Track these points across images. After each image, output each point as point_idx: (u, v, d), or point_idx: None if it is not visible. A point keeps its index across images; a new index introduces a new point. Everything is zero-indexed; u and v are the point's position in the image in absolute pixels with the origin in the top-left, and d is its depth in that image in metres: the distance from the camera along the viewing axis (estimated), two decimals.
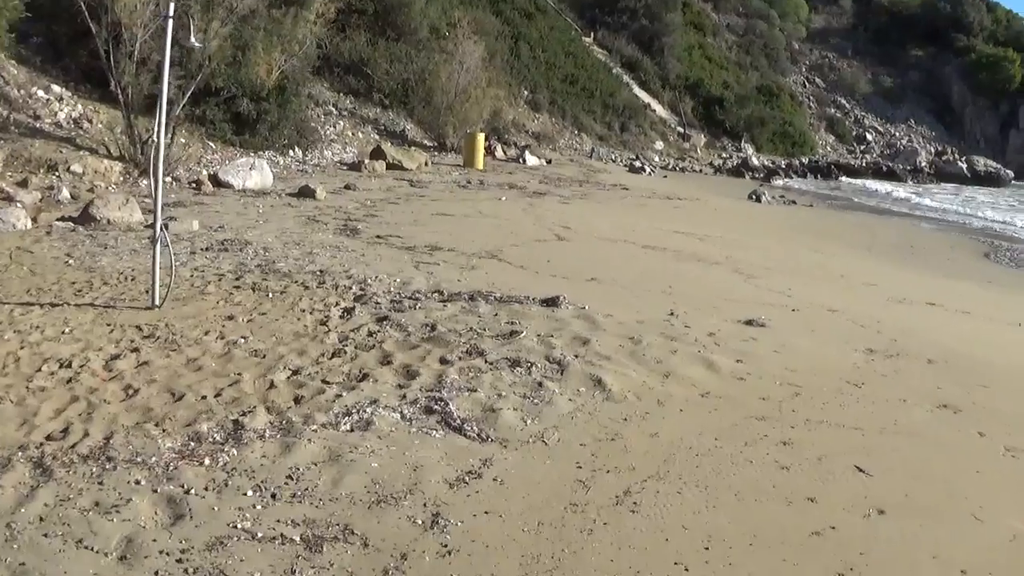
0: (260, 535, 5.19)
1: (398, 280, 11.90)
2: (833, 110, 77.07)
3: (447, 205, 21.58)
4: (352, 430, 6.76)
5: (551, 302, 10.91)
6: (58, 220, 14.80)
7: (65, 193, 17.69)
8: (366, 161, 28.50)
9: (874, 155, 71.41)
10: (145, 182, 18.95)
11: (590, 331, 9.81)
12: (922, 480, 6.58)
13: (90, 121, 22.65)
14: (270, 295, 10.77)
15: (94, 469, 5.83)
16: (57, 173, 18.98)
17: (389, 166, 28.89)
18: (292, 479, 5.90)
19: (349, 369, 8.20)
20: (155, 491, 5.60)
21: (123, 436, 6.38)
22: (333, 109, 34.51)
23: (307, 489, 5.77)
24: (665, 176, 43.25)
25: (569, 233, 18.44)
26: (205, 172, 21.92)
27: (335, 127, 33.15)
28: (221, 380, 7.73)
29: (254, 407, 7.11)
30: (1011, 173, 71.24)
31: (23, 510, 5.27)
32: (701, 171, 51.20)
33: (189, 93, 21.31)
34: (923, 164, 68.76)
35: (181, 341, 8.75)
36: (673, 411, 7.64)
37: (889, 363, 9.64)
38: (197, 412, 6.94)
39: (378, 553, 5.09)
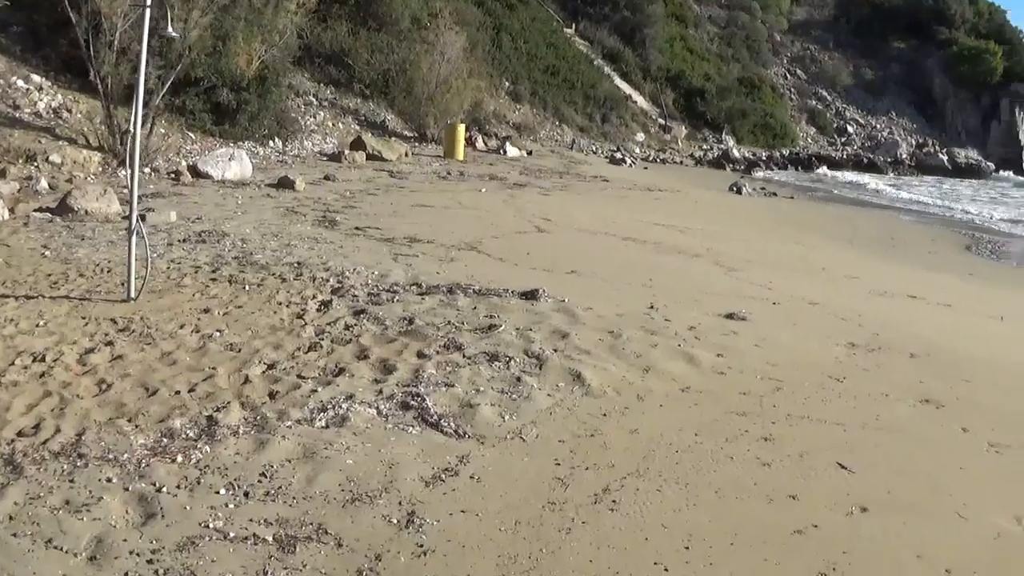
0: (232, 535, 5.07)
1: (376, 272, 11.80)
2: (814, 102, 77.19)
3: (427, 196, 21.48)
4: (327, 426, 6.65)
5: (530, 295, 10.82)
6: (36, 211, 14.67)
7: (43, 184, 17.56)
8: (346, 152, 28.42)
9: (855, 147, 71.62)
10: (124, 172, 18.84)
11: (569, 324, 9.73)
12: (905, 477, 6.51)
13: (70, 111, 22.54)
14: (247, 288, 10.64)
15: (65, 466, 5.71)
16: (36, 163, 18.82)
17: (369, 157, 28.81)
18: (266, 477, 5.78)
19: (325, 363, 8.08)
20: (126, 489, 5.48)
21: (95, 432, 6.26)
22: (313, 99, 34.46)
23: (281, 487, 5.65)
24: (646, 168, 43.31)
25: (549, 225, 18.37)
26: (184, 163, 21.82)
27: (315, 117, 33.10)
28: (195, 375, 7.60)
29: (228, 402, 6.99)
30: (992, 165, 71.85)
31: None
32: (682, 163, 51.33)
33: (169, 83, 21.22)
34: (904, 156, 69.05)
35: (156, 335, 8.62)
36: (653, 406, 7.54)
37: (871, 357, 9.58)
38: (171, 408, 6.81)
39: (352, 553, 4.98)
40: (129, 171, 9.80)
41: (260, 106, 26.95)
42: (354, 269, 11.91)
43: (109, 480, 5.58)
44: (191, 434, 6.35)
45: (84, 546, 4.86)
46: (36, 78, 23.05)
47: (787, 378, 8.49)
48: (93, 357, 7.88)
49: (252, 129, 27.07)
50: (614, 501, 5.75)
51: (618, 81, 60.02)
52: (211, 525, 5.16)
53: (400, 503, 5.56)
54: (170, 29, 10.63)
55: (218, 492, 5.54)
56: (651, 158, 49.94)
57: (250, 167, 22.36)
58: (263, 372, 7.79)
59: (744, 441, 6.89)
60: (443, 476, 5.96)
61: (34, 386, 7.11)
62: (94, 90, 21.22)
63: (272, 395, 7.25)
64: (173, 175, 20.44)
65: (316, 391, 7.33)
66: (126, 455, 5.92)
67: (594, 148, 47.52)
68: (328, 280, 11.22)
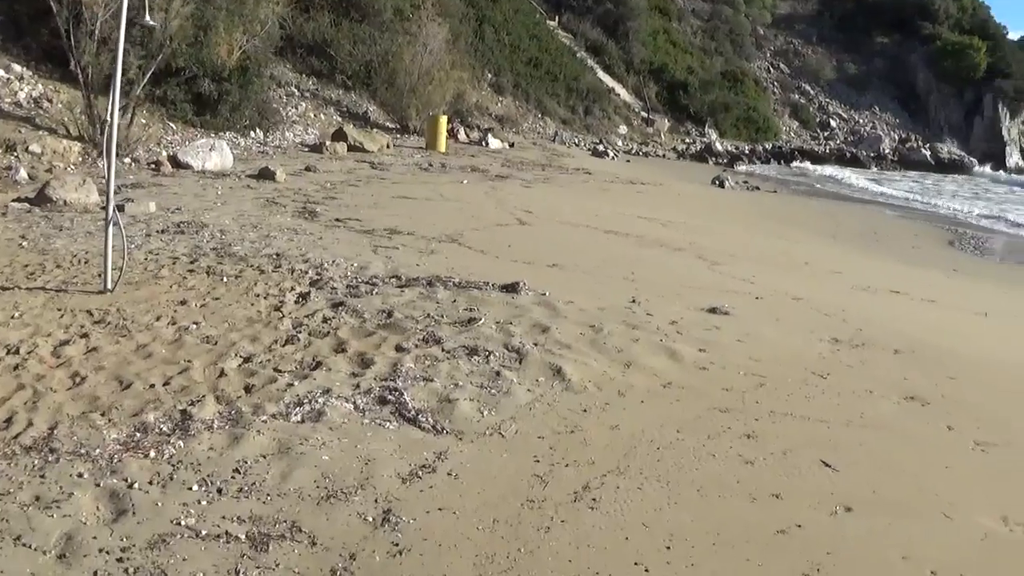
0: (204, 532, 4.98)
1: (355, 264, 11.69)
2: (797, 96, 77.17)
3: (408, 188, 21.36)
4: (303, 421, 6.55)
5: (511, 288, 10.73)
6: (14, 201, 14.55)
7: (23, 174, 17.45)
8: (327, 143, 28.29)
9: (838, 141, 71.69)
10: (102, 162, 18.75)
11: (550, 318, 9.63)
12: (890, 476, 6.43)
13: (50, 101, 22.36)
14: (224, 279, 10.53)
15: (36, 461, 5.62)
16: (16, 153, 18.68)
17: (351, 148, 28.69)
18: (239, 473, 5.69)
19: (302, 357, 7.98)
20: (98, 485, 5.39)
21: (68, 426, 6.17)
22: (295, 90, 34.29)
23: (254, 484, 5.56)
24: (628, 161, 43.20)
25: (531, 217, 18.27)
26: (165, 153, 21.69)
27: (297, 108, 32.94)
28: (171, 368, 7.50)
29: (203, 396, 6.89)
30: (975, 160, 71.99)
31: None
32: (664, 156, 51.27)
33: (150, 73, 21.15)
34: (887, 151, 69.29)
35: (132, 327, 8.52)
36: (634, 402, 7.45)
37: (855, 353, 9.51)
38: (145, 401, 6.71)
39: (326, 552, 4.89)
40: (106, 161, 9.73)
41: (241, 97, 26.79)
42: (333, 261, 11.81)
43: (80, 476, 5.49)
44: (165, 429, 6.25)
45: (53, 543, 4.77)
46: (17, 68, 22.84)
47: (770, 374, 8.42)
48: (68, 349, 7.79)
49: (233, 120, 26.91)
50: (594, 499, 5.66)
51: (601, 74, 59.94)
52: (183, 522, 5.07)
53: (376, 500, 5.47)
54: (148, 18, 10.51)
55: (191, 488, 5.45)
56: (634, 151, 49.82)
57: (231, 158, 22.23)
58: (239, 365, 7.70)
59: (727, 438, 6.81)
60: (420, 473, 5.86)
61: (7, 379, 7.02)
62: (75, 80, 21.07)
63: (248, 389, 7.15)
64: (153, 166, 20.34)
65: (292, 385, 7.24)
66: (98, 450, 5.83)
67: (576, 141, 47.42)
68: (307, 272, 11.10)
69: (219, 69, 25.53)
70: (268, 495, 5.44)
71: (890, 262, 19.88)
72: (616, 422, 6.96)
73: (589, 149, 44.61)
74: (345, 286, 10.51)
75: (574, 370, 8.01)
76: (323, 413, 6.69)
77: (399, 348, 8.34)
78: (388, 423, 6.63)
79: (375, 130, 33.50)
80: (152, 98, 23.74)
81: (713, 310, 10.72)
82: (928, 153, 70.14)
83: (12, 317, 8.56)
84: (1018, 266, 24.15)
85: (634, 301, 10.81)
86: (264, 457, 5.92)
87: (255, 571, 4.67)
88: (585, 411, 7.15)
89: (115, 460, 5.72)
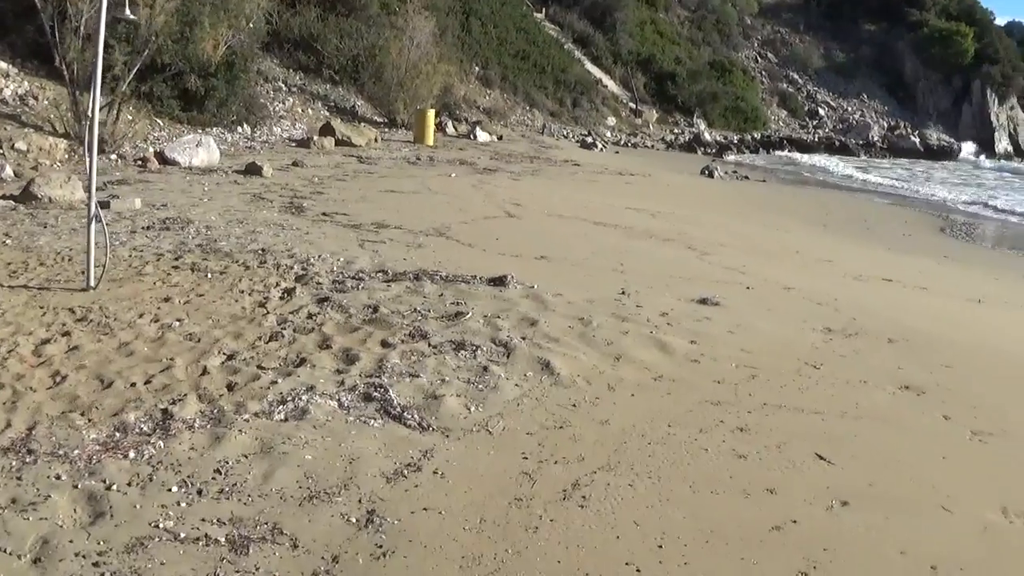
0: (183, 535, 4.85)
1: (342, 259, 11.59)
2: (785, 85, 77.31)
3: (396, 182, 21.26)
4: (286, 419, 6.41)
5: (498, 281, 10.62)
6: None
7: (8, 171, 17.36)
8: (315, 138, 28.18)
9: (827, 130, 71.85)
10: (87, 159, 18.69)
11: (538, 311, 9.51)
12: (886, 468, 6.31)
13: (36, 98, 22.29)
14: (209, 275, 10.41)
15: (14, 463, 5.49)
16: (1, 151, 18.60)
17: (338, 142, 28.59)
18: (220, 473, 5.55)
19: (286, 353, 7.85)
20: (76, 487, 5.26)
21: (46, 427, 6.03)
22: (283, 85, 34.22)
23: (235, 484, 5.43)
24: (617, 152, 43.23)
25: (519, 210, 18.17)
26: (151, 149, 21.58)
27: (284, 103, 32.87)
28: (153, 366, 7.36)
29: (185, 395, 6.75)
30: (963, 147, 72.31)
31: None
32: (653, 147, 51.23)
33: (135, 69, 21.07)
34: (876, 139, 69.49)
35: (114, 324, 8.39)
36: (624, 396, 7.33)
37: (848, 343, 9.40)
38: (125, 400, 6.57)
39: (308, 555, 4.75)
40: (88, 157, 9.60)
41: (228, 92, 26.71)
42: (319, 256, 11.70)
43: (58, 477, 5.36)
44: (145, 428, 6.12)
45: (29, 547, 4.65)
46: (2, 65, 22.77)
47: (763, 365, 8.30)
48: (49, 348, 7.66)
49: (220, 115, 26.85)
50: (584, 497, 5.53)
51: (589, 65, 59.99)
52: (161, 525, 4.94)
53: (360, 501, 5.34)
54: (127, 12, 10.38)
55: (170, 490, 5.31)
56: (622, 142, 49.84)
57: (218, 153, 22.13)
58: (222, 363, 7.56)
59: (719, 432, 6.68)
60: (405, 472, 5.73)
61: None
62: (61, 77, 20.94)
63: (230, 387, 7.02)
64: (140, 162, 20.24)
65: (276, 382, 7.10)
66: (77, 451, 5.70)
67: (565, 133, 47.41)
68: (292, 267, 10.99)
69: (205, 65, 25.42)
70: (249, 496, 5.31)
71: (881, 250, 19.82)
72: (606, 417, 6.84)
73: (578, 141, 44.61)
74: (331, 281, 10.39)
75: (563, 364, 7.88)
76: (307, 411, 6.56)
77: (385, 344, 8.22)
78: (373, 420, 6.49)
79: (363, 124, 33.39)
80: (139, 94, 23.62)
81: (704, 301, 10.60)
82: (917, 140, 70.36)
83: None
84: (1010, 252, 24.14)
85: (623, 293, 10.70)
86: (246, 457, 5.79)
87: (235, 575, 4.55)
88: (574, 406, 7.03)
89: (94, 461, 5.59)
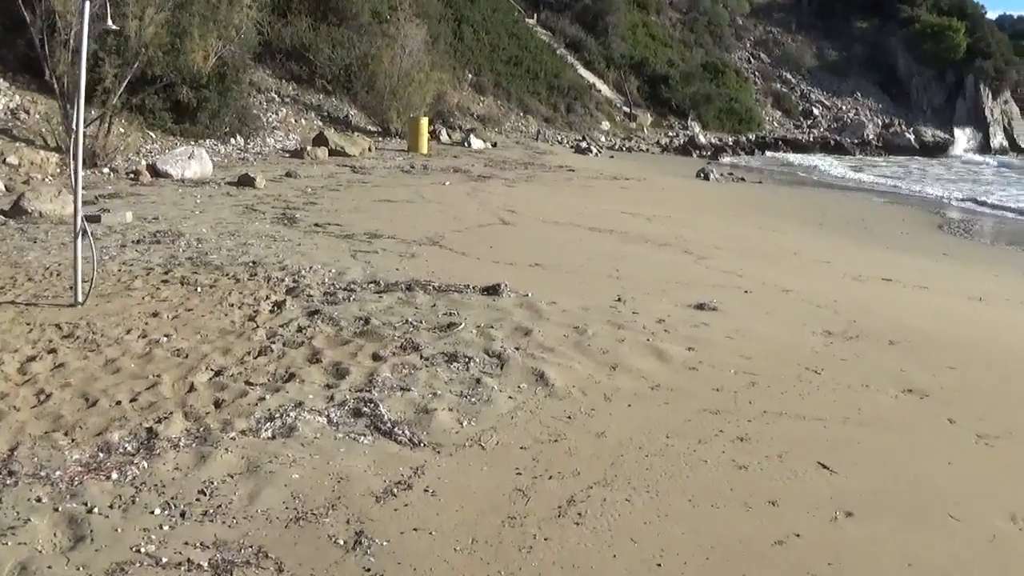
0: (165, 560, 4.70)
1: (333, 270, 11.47)
2: (779, 85, 77.42)
3: (389, 191, 21.23)
4: (273, 437, 6.26)
5: (492, 290, 10.48)
6: None
7: (0, 186, 17.25)
8: (308, 148, 28.23)
9: (821, 129, 72.03)
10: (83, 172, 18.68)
11: (533, 320, 9.36)
12: (891, 476, 6.15)
13: (27, 112, 22.40)
14: (199, 289, 10.30)
15: None
16: None
17: (332, 152, 28.59)
18: (204, 494, 5.40)
19: (275, 369, 7.71)
20: (56, 510, 5.12)
21: (29, 447, 5.90)
22: (276, 96, 34.29)
23: (220, 506, 5.27)
24: (612, 156, 43.21)
25: (514, 217, 18.09)
26: (144, 162, 21.63)
27: (277, 114, 32.94)
28: (139, 383, 7.24)
29: (171, 413, 6.61)
30: (955, 140, 72.64)
31: None
32: (648, 150, 51.31)
33: (126, 81, 21.12)
34: (870, 137, 69.75)
35: (101, 341, 8.27)
36: (621, 407, 7.17)
37: (849, 346, 9.26)
38: (110, 419, 6.44)
39: None
40: (73, 171, 9.55)
41: (221, 103, 26.84)
42: (311, 267, 11.60)
43: (39, 500, 5.22)
44: (129, 448, 5.98)
45: (7, 573, 4.50)
46: None
47: (762, 371, 8.15)
48: (34, 366, 7.55)
49: (213, 127, 26.96)
50: (579, 514, 5.36)
51: (581, 70, 60.07)
52: (143, 549, 4.79)
53: (348, 521, 5.18)
54: (109, 22, 10.29)
55: (153, 512, 5.16)
56: (617, 146, 49.85)
57: (210, 165, 22.14)
58: (210, 379, 7.44)
59: (719, 442, 6.52)
60: (395, 490, 5.57)
61: None
62: (52, 90, 20.93)
63: (217, 404, 6.88)
64: (132, 175, 20.24)
65: (264, 399, 6.96)
66: (59, 472, 5.56)
67: (559, 138, 47.48)
68: (283, 280, 10.88)
69: (197, 76, 25.51)
70: (234, 518, 5.15)
71: (879, 249, 19.73)
72: (602, 429, 6.68)
73: (572, 146, 44.63)
74: (322, 293, 10.28)
75: (558, 375, 7.73)
76: (294, 428, 6.41)
77: (376, 356, 8.08)
78: (362, 437, 6.34)
79: (356, 134, 33.45)
80: (130, 107, 23.73)
81: (701, 306, 10.47)
82: (912, 137, 70.63)
83: None
84: (1008, 248, 24.11)
85: (619, 299, 10.57)
86: (231, 477, 5.65)
87: None
88: (569, 418, 6.87)
89: (75, 483, 5.45)
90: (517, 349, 8.36)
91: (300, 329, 8.86)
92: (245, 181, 20.10)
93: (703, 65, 69.75)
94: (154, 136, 24.66)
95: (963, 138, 76.38)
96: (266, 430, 6.36)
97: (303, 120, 33.70)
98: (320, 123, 33.89)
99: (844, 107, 78.00)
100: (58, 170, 19.58)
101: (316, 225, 15.25)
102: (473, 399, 7.14)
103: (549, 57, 57.30)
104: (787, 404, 7.40)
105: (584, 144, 44.73)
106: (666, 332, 9.25)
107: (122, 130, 22.68)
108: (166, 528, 5.00)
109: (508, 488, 5.65)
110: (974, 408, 7.64)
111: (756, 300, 11.38)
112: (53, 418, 6.45)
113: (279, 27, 35.98)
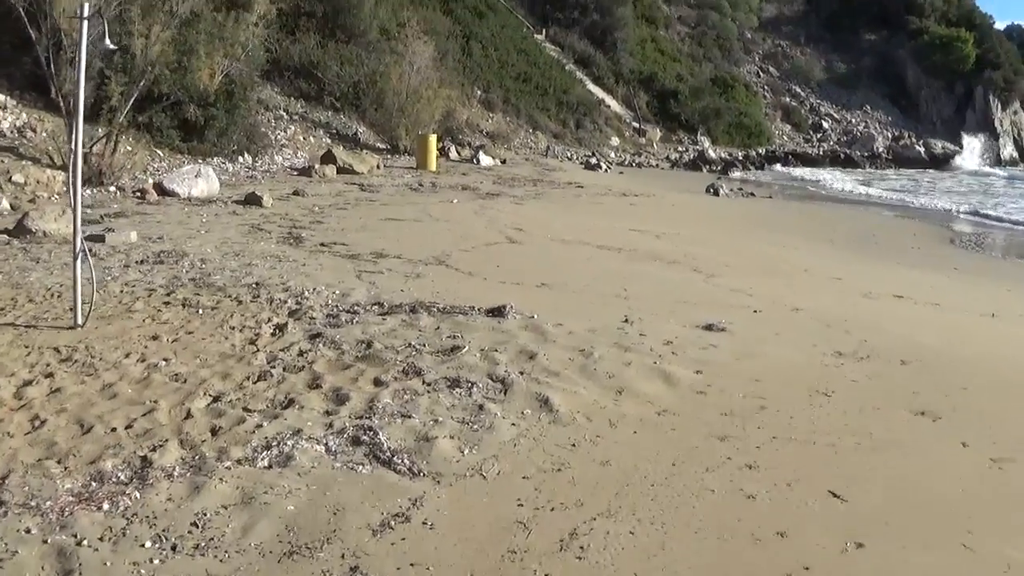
0: None
1: (337, 292, 11.37)
2: (788, 99, 77.35)
3: (397, 209, 21.14)
4: (270, 466, 6.13)
5: (497, 312, 10.36)
6: None
7: (5, 204, 17.43)
8: (316, 166, 28.19)
9: (831, 143, 71.99)
10: (87, 191, 18.65)
11: (538, 343, 9.23)
12: (903, 503, 5.99)
13: (34, 130, 22.40)
14: (200, 312, 10.21)
15: None
16: None
17: (340, 170, 28.52)
18: (197, 527, 5.29)
19: (274, 394, 7.59)
20: (45, 542, 5.03)
21: (20, 475, 5.81)
22: (284, 113, 34.28)
23: (213, 539, 5.16)
24: (621, 172, 43.14)
25: (521, 235, 17.98)
26: (150, 180, 21.59)
27: (286, 132, 32.94)
28: (135, 409, 7.14)
29: (166, 440, 6.50)
30: (962, 152, 72.76)
31: None
32: (657, 166, 51.31)
33: (132, 99, 21.15)
34: (880, 150, 69.69)
35: (99, 365, 8.18)
36: (626, 433, 7.03)
37: (860, 367, 9.10)
38: (104, 447, 6.34)
39: None
40: (72, 190, 9.50)
41: (228, 121, 26.84)
42: (314, 289, 11.49)
43: (28, 531, 5.14)
44: (122, 477, 5.88)
45: None
46: (0, 97, 22.71)
47: (771, 395, 8.00)
48: (30, 390, 7.47)
49: (221, 145, 26.96)
50: (581, 547, 5.22)
51: (590, 86, 60.04)
52: None
53: (343, 556, 5.06)
54: (108, 41, 10.24)
55: (143, 545, 5.06)
56: (626, 162, 49.80)
57: (217, 184, 22.06)
58: (207, 405, 7.34)
59: (726, 470, 6.37)
60: (392, 523, 5.44)
61: None
62: (59, 108, 20.85)
63: (214, 431, 6.77)
64: (138, 193, 20.23)
65: (261, 426, 6.84)
66: (50, 502, 5.47)
67: (569, 154, 47.42)
68: (286, 301, 10.78)
69: (204, 94, 25.45)
70: (227, 552, 5.04)
71: (891, 265, 19.58)
72: (607, 457, 6.54)
73: (581, 162, 44.56)
74: (325, 315, 10.18)
75: (562, 400, 7.60)
76: (291, 457, 6.28)
77: (377, 382, 7.96)
78: (361, 466, 6.21)
79: (365, 151, 33.41)
80: (137, 125, 23.78)
81: (710, 327, 10.33)
82: (922, 149, 70.57)
83: None
84: (1021, 261, 23.91)
85: (627, 321, 10.44)
86: (225, 508, 5.53)
87: None
88: (574, 446, 6.73)
89: (66, 513, 5.36)
90: (521, 373, 8.23)
91: (301, 353, 8.76)
92: (252, 200, 20.05)
93: (712, 79, 69.70)
94: (161, 154, 24.69)
95: (973, 150, 76.24)
96: (262, 459, 6.24)
97: (311, 138, 33.70)
98: (328, 141, 33.90)
99: (854, 120, 77.91)
100: (64, 189, 19.51)
101: (322, 244, 15.18)
102: (475, 426, 7.01)
103: (558, 73, 57.29)
104: (797, 429, 7.25)
105: (594, 160, 44.65)
106: (673, 354, 9.12)
107: (129, 148, 22.71)
108: (156, 562, 4.90)
109: (509, 520, 5.52)
110: (988, 430, 7.48)
111: (766, 319, 11.24)
112: (46, 445, 6.37)
113: (287, 44, 36.06)
